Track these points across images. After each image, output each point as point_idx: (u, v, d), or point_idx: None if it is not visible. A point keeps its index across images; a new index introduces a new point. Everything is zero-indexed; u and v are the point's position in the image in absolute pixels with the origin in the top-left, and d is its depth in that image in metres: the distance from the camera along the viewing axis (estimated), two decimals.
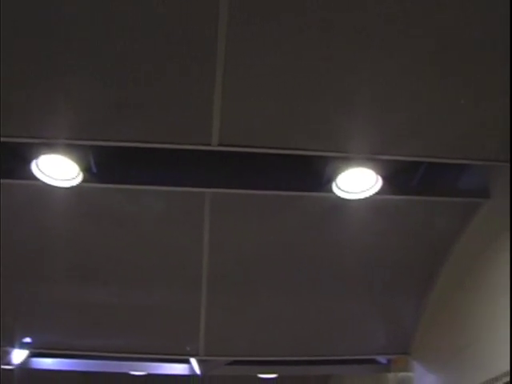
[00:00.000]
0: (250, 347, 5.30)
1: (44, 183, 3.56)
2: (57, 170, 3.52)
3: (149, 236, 4.16)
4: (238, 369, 5.86)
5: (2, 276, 4.59)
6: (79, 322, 5.28)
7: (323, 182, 3.60)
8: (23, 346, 5.38)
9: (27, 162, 3.44)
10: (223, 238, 4.13)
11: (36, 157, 3.39)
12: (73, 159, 3.39)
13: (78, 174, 3.55)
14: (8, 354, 5.54)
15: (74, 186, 3.61)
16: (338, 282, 4.66)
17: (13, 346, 5.37)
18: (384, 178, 3.56)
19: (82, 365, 5.87)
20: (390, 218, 4.04)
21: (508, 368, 3.73)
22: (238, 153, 3.34)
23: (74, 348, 5.37)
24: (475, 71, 2.87)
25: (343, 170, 3.48)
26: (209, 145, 3.21)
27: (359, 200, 3.74)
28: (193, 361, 5.61)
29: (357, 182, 3.62)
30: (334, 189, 3.63)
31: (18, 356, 5.65)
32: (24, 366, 5.78)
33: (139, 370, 6.07)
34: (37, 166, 3.48)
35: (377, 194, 3.69)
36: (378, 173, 3.50)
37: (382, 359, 5.97)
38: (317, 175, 3.60)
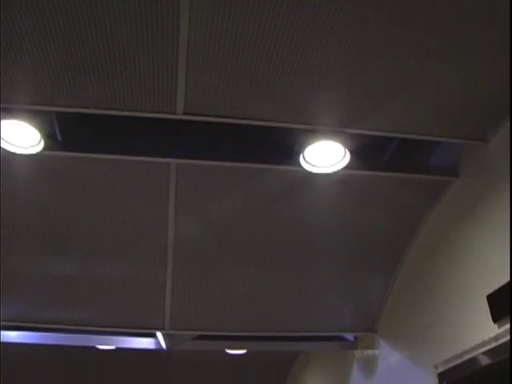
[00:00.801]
0: (216, 322, 5.27)
1: (4, 150, 3.46)
2: (18, 136, 3.42)
3: (113, 206, 4.08)
4: (205, 344, 5.83)
5: None
6: (44, 295, 5.20)
7: (290, 155, 3.55)
8: None
9: None
10: (188, 209, 4.06)
11: None
12: (34, 125, 3.29)
13: (40, 141, 3.46)
14: None
15: (36, 154, 3.52)
16: (305, 257, 4.64)
17: None
18: (352, 153, 3.53)
19: (48, 338, 5.79)
20: (358, 193, 4.02)
21: (469, 345, 3.77)
22: (203, 123, 3.27)
23: (39, 321, 5.30)
24: (450, 43, 2.82)
25: (310, 143, 3.43)
26: (173, 113, 3.14)
27: (327, 174, 3.70)
28: (159, 335, 5.57)
29: (324, 156, 3.58)
30: (302, 162, 3.59)
31: None
32: None
33: (106, 343, 6.01)
34: None
35: (345, 168, 3.65)
36: (346, 147, 3.47)
37: (350, 336, 5.99)
38: (284, 148, 3.55)
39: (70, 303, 5.23)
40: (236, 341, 5.96)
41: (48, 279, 5.04)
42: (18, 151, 3.49)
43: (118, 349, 7.75)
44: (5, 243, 4.63)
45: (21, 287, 5.09)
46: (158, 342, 5.71)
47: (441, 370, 4.24)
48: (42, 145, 3.45)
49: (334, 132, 3.32)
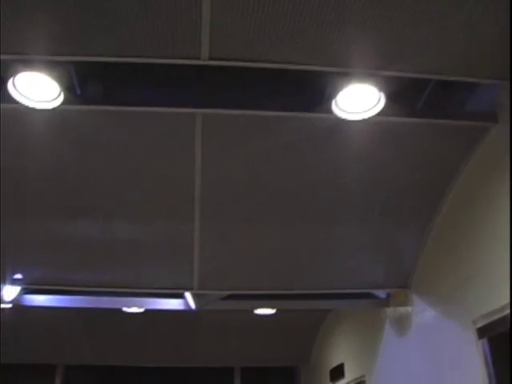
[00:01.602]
0: (245, 281, 5.16)
1: (22, 105, 3.31)
2: (36, 90, 3.27)
3: (137, 163, 3.94)
4: (233, 303, 5.74)
5: None
6: (67, 257, 5.13)
7: (322, 101, 3.36)
8: (14, 282, 5.22)
9: (3, 81, 3.18)
10: (215, 161, 3.90)
11: (12, 75, 3.13)
12: (53, 77, 3.13)
13: (59, 95, 3.30)
14: None
15: (55, 109, 3.37)
16: (335, 210, 4.47)
17: (3, 283, 5.21)
18: (387, 97, 3.32)
19: (75, 301, 5.74)
20: (392, 141, 3.82)
21: (508, 301, 3.60)
22: (229, 68, 3.09)
23: (66, 283, 5.24)
24: None
25: (343, 88, 3.23)
26: (198, 58, 2.96)
27: (360, 121, 3.51)
28: (187, 295, 5.49)
29: (358, 101, 3.38)
30: (334, 108, 3.40)
31: (10, 293, 5.52)
32: (16, 302, 5.65)
33: (134, 305, 5.95)
34: (14, 85, 3.22)
35: (379, 114, 3.45)
36: (380, 90, 3.26)
37: (381, 293, 5.86)
38: (315, 94, 3.36)
39: (95, 265, 5.15)
40: (265, 300, 5.86)
41: (71, 241, 4.95)
42: (37, 106, 3.34)
43: (144, 312, 7.77)
44: (26, 205, 4.54)
45: (43, 250, 5.02)
46: (186, 303, 5.63)
47: (480, 325, 4.08)
48: (61, 98, 3.30)
49: (367, 74, 3.12)
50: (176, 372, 9.67)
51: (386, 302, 5.85)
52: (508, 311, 3.63)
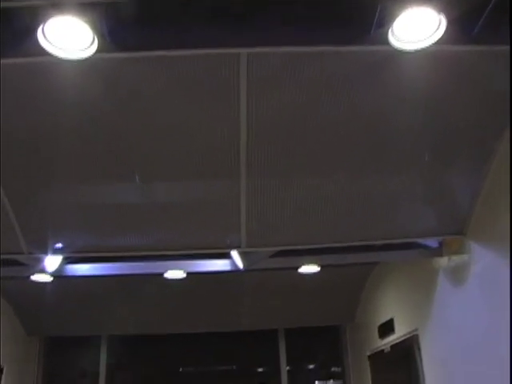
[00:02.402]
0: (293, 236, 4.96)
1: (53, 56, 3.09)
2: (67, 38, 3.05)
3: (177, 115, 3.71)
4: (281, 261, 5.54)
5: (20, 177, 4.25)
6: (111, 223, 4.98)
7: (376, 30, 3.07)
8: (56, 251, 5.09)
9: (31, 30, 2.96)
10: (262, 108, 3.65)
11: (42, 22, 2.91)
12: (86, 21, 2.90)
13: (93, 42, 3.07)
14: (41, 261, 5.29)
15: (89, 59, 3.14)
16: (384, 153, 4.20)
17: (45, 253, 5.09)
18: (449, 22, 3.02)
19: (118, 268, 5.61)
20: (451, 73, 3.53)
21: None
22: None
23: (108, 250, 5.10)
24: None
25: (399, 13, 2.94)
26: None
27: (417, 51, 3.21)
28: (234, 254, 5.31)
29: (415, 29, 3.08)
30: (390, 38, 3.11)
31: (52, 263, 5.40)
32: (58, 273, 5.54)
33: (179, 268, 5.77)
34: (43, 34, 3.00)
35: (438, 42, 3.15)
36: (440, 13, 2.96)
37: (432, 243, 5.60)
38: (368, 23, 3.07)
39: (136, 229, 4.99)
40: (312, 255, 5.66)
41: (110, 206, 4.80)
42: (70, 56, 3.12)
43: (185, 278, 7.65)
44: (62, 169, 4.38)
45: (83, 216, 4.87)
46: (233, 263, 5.46)
47: None
48: (95, 46, 3.07)
49: None
50: (219, 337, 9.59)
51: (439, 251, 5.59)
52: None
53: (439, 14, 2.95)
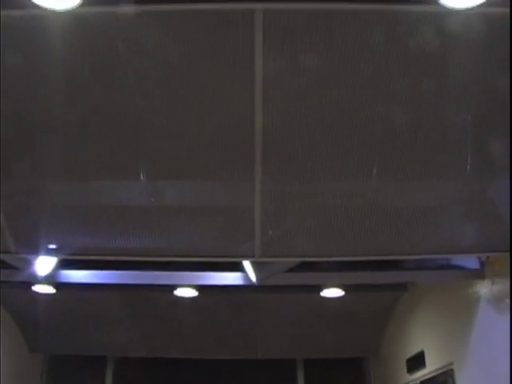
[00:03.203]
0: (314, 247, 4.33)
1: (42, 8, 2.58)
2: None
3: (180, 86, 3.14)
4: (299, 277, 4.92)
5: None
6: (112, 224, 4.41)
7: None
8: (47, 252, 4.52)
9: None
10: (281, 85, 3.06)
11: None
12: None
13: None
14: (31, 263, 4.73)
15: (75, 11, 2.62)
16: (432, 153, 3.57)
17: (35, 253, 4.52)
18: None
19: (118, 276, 5.04)
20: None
21: None
22: None
23: (107, 252, 4.50)
24: None
25: None
26: None
27: (468, 10, 2.62)
28: (247, 266, 4.69)
29: None
30: None
31: (44, 266, 4.84)
32: (51, 278, 4.97)
33: (185, 281, 5.17)
34: None
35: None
36: None
37: (473, 263, 4.92)
38: None
39: (139, 232, 4.41)
40: (334, 272, 5.01)
41: (112, 203, 4.23)
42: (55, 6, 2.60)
43: (197, 296, 7.05)
44: (58, 161, 3.85)
45: (81, 215, 4.31)
46: (246, 277, 4.84)
47: None
48: None
49: None
50: (232, 365, 8.90)
51: (480, 273, 4.91)
52: None
53: None
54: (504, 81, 2.92)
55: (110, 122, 3.50)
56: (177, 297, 7.14)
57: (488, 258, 4.68)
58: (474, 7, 2.58)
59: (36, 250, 4.45)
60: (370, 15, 2.68)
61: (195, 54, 2.84)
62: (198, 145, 3.64)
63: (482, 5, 2.58)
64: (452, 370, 5.61)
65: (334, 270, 4.95)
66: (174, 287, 6.95)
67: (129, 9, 2.68)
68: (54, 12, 2.58)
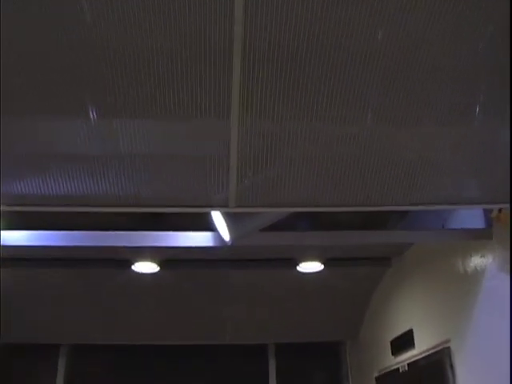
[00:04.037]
0: (296, 196, 3.55)
1: None
2: None
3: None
4: (276, 236, 4.17)
5: None
6: (59, 166, 3.52)
7: None
8: None
9: None
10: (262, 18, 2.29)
11: None
12: None
13: None
14: None
15: None
16: (433, 92, 2.87)
17: None
18: None
19: (67, 238, 4.22)
20: None
21: None
22: None
23: (53, 201, 3.63)
24: None
25: None
26: None
27: None
28: (219, 224, 3.92)
29: None
30: None
31: None
32: None
33: (146, 242, 4.35)
34: None
35: None
36: None
37: (479, 221, 4.26)
38: None
39: (95, 178, 3.54)
40: (316, 231, 4.28)
41: (61, 146, 3.39)
42: None
43: (159, 272, 6.27)
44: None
45: (25, 158, 3.45)
46: (217, 237, 4.07)
47: None
48: None
49: None
50: (196, 351, 8.13)
51: (487, 233, 4.24)
52: None
53: None
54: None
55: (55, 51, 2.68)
56: (135, 273, 6.34)
57: (500, 211, 3.99)
58: None
59: None
60: None
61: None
62: (165, 77, 2.85)
63: None
64: (449, 347, 4.95)
65: (315, 227, 4.23)
66: (132, 262, 6.17)
67: None
68: None
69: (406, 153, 3.42)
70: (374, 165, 3.48)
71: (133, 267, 6.21)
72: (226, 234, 3.86)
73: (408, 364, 5.84)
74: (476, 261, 4.51)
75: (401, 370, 6.02)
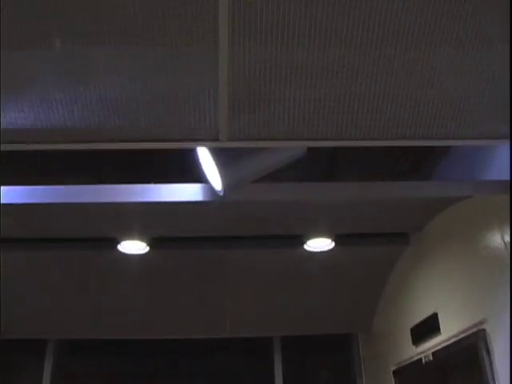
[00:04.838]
0: (293, 129, 2.87)
1: None
2: None
3: None
4: (274, 189, 3.46)
5: None
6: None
7: None
8: None
9: None
10: None
11: None
12: None
13: None
14: None
15: None
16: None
17: None
18: None
19: (32, 193, 3.51)
20: None
21: None
22: None
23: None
24: None
25: None
26: None
27: None
28: (210, 175, 3.20)
29: None
30: None
31: None
32: None
33: (128, 196, 3.62)
34: None
35: None
36: None
37: None
38: None
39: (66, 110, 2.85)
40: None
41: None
42: None
43: (148, 253, 5.57)
44: None
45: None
46: (208, 190, 3.36)
47: None
48: None
49: None
50: (193, 345, 7.40)
51: None
52: None
53: None
54: None
55: None
56: (122, 254, 5.62)
57: None
58: None
59: None
60: None
61: None
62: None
63: None
64: (483, 330, 4.21)
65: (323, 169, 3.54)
66: (118, 240, 5.45)
67: None
68: None
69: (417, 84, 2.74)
70: (384, 95, 2.82)
71: (119, 247, 5.49)
72: (217, 183, 3.13)
73: (433, 353, 5.10)
74: None
75: (424, 361, 5.27)
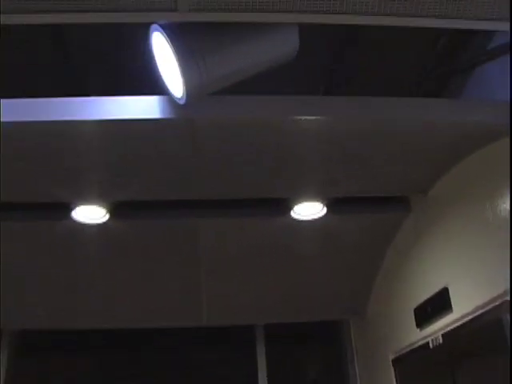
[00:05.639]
0: None
1: None
2: None
3: None
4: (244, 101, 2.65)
5: None
6: None
7: None
8: None
9: None
10: None
11: None
12: None
13: None
14: None
15: None
16: None
17: None
18: None
19: None
20: None
21: None
22: None
23: None
24: None
25: None
26: None
27: None
28: (170, 82, 2.37)
29: None
30: None
31: None
32: None
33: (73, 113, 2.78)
34: None
35: None
36: None
37: None
38: None
39: None
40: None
41: None
42: None
43: (109, 222, 4.74)
44: None
45: None
46: (167, 100, 2.54)
47: None
48: None
49: None
50: (168, 336, 6.56)
51: None
52: None
53: None
54: None
55: None
56: (76, 224, 4.76)
57: None
58: None
59: None
60: None
61: None
62: None
63: None
64: (507, 301, 3.43)
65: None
66: (71, 207, 4.59)
67: None
68: None
69: None
70: None
71: (73, 214, 4.63)
72: (178, 89, 2.30)
73: (443, 335, 4.31)
74: None
75: (432, 345, 4.49)
